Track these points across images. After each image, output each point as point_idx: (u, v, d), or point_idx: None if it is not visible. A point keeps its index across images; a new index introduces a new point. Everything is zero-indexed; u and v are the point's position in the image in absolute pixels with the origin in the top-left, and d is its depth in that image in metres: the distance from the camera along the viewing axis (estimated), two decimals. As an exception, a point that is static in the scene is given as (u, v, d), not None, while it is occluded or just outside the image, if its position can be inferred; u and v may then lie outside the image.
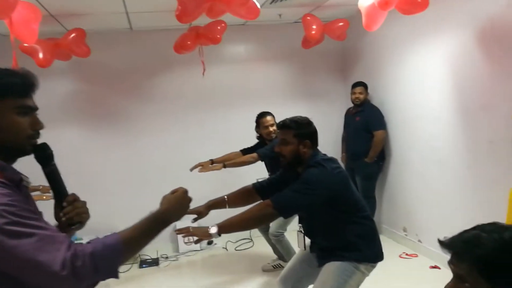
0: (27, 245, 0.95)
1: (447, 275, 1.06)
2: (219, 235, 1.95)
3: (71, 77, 4.47)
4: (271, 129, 3.53)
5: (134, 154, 4.56)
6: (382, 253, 2.07)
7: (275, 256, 3.83)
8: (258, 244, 4.53)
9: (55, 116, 4.29)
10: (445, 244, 1.04)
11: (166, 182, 3.84)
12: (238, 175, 4.17)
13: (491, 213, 2.39)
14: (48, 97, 4.31)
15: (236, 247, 4.55)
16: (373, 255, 2.03)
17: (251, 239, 4.66)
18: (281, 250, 3.49)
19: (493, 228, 1.01)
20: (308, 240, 2.21)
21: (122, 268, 3.98)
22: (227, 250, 4.54)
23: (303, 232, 2.22)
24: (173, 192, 1.31)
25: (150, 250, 4.33)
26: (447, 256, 1.05)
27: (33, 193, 3.07)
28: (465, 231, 1.04)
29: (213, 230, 1.93)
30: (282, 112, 3.64)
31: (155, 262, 4.20)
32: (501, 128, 2.73)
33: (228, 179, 4.16)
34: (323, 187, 1.94)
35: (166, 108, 4.61)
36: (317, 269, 2.08)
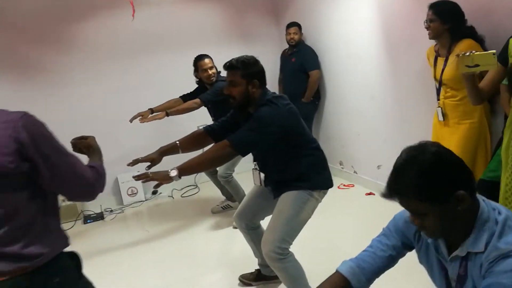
0: (81, 163, 1.30)
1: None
2: (180, 178, 1.96)
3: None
4: (210, 72, 3.46)
5: (59, 108, 4.12)
6: (332, 181, 2.23)
7: (223, 198, 3.95)
8: (204, 190, 4.62)
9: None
10: (387, 195, 1.13)
11: (100, 136, 3.68)
12: (179, 124, 4.12)
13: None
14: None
15: (182, 194, 4.59)
16: (325, 182, 2.18)
17: (197, 185, 4.72)
18: (231, 190, 3.59)
19: (411, 158, 1.11)
20: (262, 175, 2.31)
21: (65, 226, 3.84)
22: (173, 198, 4.56)
23: (258, 169, 2.31)
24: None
25: (93, 205, 4.22)
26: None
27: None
28: (393, 171, 1.13)
29: (173, 173, 1.94)
30: (216, 55, 3.61)
31: (100, 217, 4.12)
32: (425, 63, 2.95)
33: (169, 129, 4.10)
34: (277, 124, 2.00)
35: (90, 57, 4.27)
36: (273, 202, 2.20)
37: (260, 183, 2.31)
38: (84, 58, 4.25)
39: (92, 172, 1.32)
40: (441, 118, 2.56)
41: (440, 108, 2.56)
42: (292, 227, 2.07)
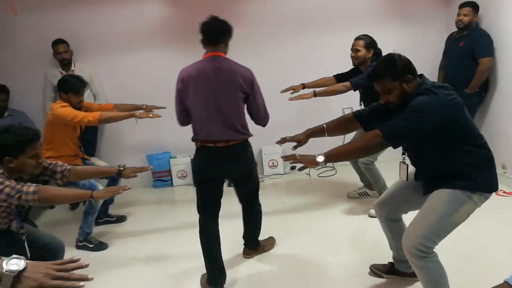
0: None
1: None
2: (326, 164, 1.97)
3: (161, 1, 4.52)
4: (353, 54, 3.35)
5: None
6: (497, 184, 1.97)
7: (360, 184, 3.85)
8: (341, 173, 4.57)
9: (145, 39, 4.46)
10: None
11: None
12: (325, 103, 4.12)
13: None
14: (140, 20, 4.45)
15: (319, 174, 4.63)
16: (488, 184, 1.94)
17: (334, 167, 4.70)
18: (370, 178, 3.48)
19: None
20: (412, 168, 2.16)
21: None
22: (309, 176, 4.64)
23: (406, 163, 2.17)
24: None
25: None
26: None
27: (137, 111, 3.33)
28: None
29: (320, 158, 1.94)
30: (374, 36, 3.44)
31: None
32: None
33: (314, 105, 4.12)
34: (435, 115, 1.83)
35: (253, 32, 4.50)
36: (421, 197, 2.05)
37: (407, 178, 2.17)
38: (247, 32, 4.49)
39: (266, 110, 2.58)
40: None
41: None
42: (442, 226, 1.90)
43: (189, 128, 3.76)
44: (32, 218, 3.91)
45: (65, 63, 4.21)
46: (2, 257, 0.92)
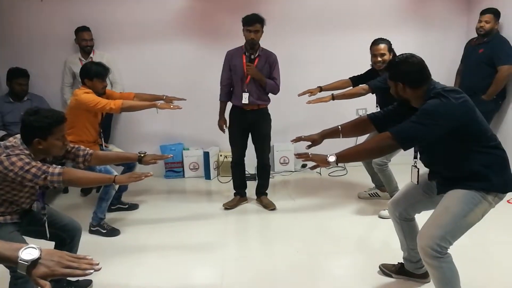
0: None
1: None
2: (337, 164, 2.03)
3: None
4: (379, 58, 3.31)
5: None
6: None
7: (371, 185, 3.86)
8: (352, 173, 4.59)
9: (165, 30, 4.50)
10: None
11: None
12: (339, 103, 4.10)
13: None
14: (161, 11, 4.49)
15: (329, 173, 4.65)
16: (502, 185, 1.94)
17: (345, 168, 4.72)
18: (383, 179, 3.49)
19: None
20: (425, 170, 2.18)
21: (223, 179, 4.16)
22: (320, 175, 4.66)
23: (417, 167, 2.19)
24: None
25: (248, 166, 4.57)
26: None
27: (158, 101, 3.38)
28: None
29: (332, 158, 2.00)
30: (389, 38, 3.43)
31: (253, 177, 4.46)
32: None
33: (327, 106, 4.10)
34: (446, 118, 1.84)
35: (277, 29, 4.48)
36: (435, 197, 2.07)
37: (418, 181, 2.19)
38: (267, 29, 4.49)
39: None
40: None
41: None
42: (457, 227, 1.91)
43: (202, 121, 3.79)
44: (47, 201, 3.97)
45: (87, 51, 4.28)
46: (22, 244, 1.01)
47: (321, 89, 3.60)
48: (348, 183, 4.37)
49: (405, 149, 1.97)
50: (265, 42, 3.60)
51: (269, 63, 3.55)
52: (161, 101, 3.48)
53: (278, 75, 3.58)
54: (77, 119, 3.26)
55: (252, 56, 3.49)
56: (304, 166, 4.77)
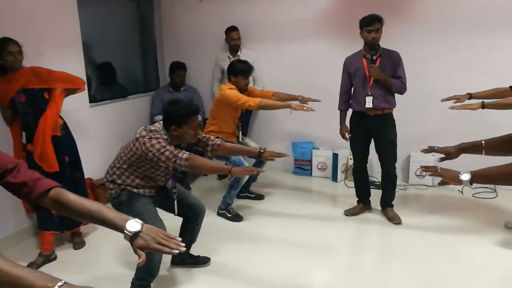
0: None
1: None
2: (471, 184, 1.69)
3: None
4: None
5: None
6: None
7: (525, 215, 3.28)
8: (503, 197, 3.96)
9: (308, 31, 4.56)
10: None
11: (406, 108, 3.67)
12: (490, 116, 3.54)
13: None
14: (304, 11, 4.57)
15: (474, 194, 4.09)
16: None
17: (495, 190, 4.09)
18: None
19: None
20: None
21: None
22: (462, 194, 4.14)
23: None
24: None
25: (376, 173, 4.35)
26: None
27: (293, 102, 3.51)
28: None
29: (465, 177, 1.68)
30: None
31: (381, 186, 4.23)
32: None
33: (474, 117, 3.58)
34: None
35: (423, 30, 4.18)
36: None
37: None
38: (420, 29, 4.18)
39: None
40: None
41: None
42: None
43: (335, 122, 3.75)
44: (189, 181, 4.50)
45: (235, 49, 4.65)
46: (129, 217, 1.18)
47: (470, 96, 3.20)
48: (495, 208, 3.78)
49: None
50: (410, 43, 3.36)
51: (393, 62, 3.32)
52: (296, 102, 3.59)
53: (403, 73, 3.34)
54: (220, 111, 3.61)
55: (374, 57, 3.30)
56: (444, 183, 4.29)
